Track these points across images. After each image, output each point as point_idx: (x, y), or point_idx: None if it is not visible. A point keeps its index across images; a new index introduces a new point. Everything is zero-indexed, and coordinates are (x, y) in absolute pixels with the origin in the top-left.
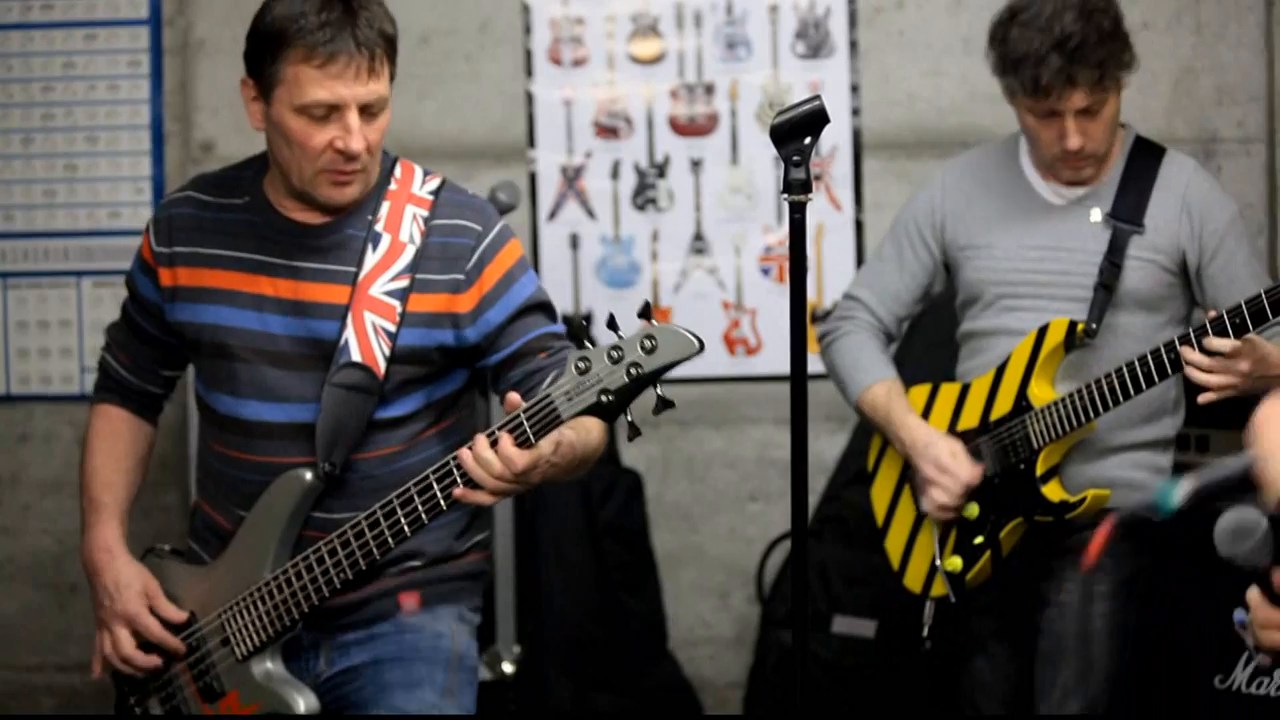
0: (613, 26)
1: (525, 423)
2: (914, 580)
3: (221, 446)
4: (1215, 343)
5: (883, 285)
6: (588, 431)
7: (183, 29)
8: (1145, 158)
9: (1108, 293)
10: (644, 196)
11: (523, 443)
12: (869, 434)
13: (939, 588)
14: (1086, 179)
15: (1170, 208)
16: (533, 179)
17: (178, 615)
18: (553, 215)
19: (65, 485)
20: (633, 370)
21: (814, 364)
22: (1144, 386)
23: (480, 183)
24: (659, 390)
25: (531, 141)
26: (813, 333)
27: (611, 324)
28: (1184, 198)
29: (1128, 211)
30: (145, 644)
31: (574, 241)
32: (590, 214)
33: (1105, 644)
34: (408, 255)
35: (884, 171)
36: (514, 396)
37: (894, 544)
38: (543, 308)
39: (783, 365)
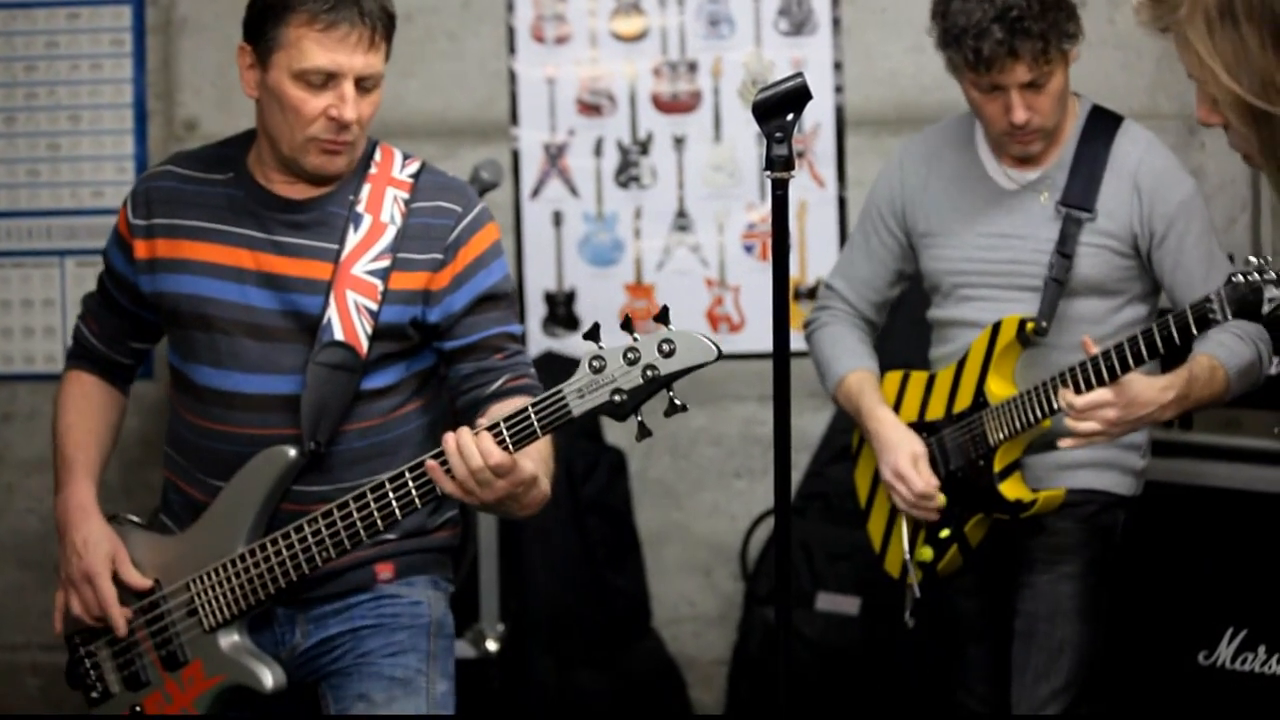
0: (595, 4)
1: (534, 417)
2: (893, 565)
3: (198, 418)
4: (1078, 401)
5: (854, 274)
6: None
7: (165, 8)
8: (1100, 133)
9: (1059, 286)
10: (627, 174)
11: (519, 441)
12: (856, 419)
13: (916, 574)
14: (1036, 155)
15: (1122, 190)
16: (516, 156)
17: (142, 582)
18: (536, 193)
19: (49, 465)
20: (649, 372)
21: (797, 341)
22: (1090, 388)
23: (463, 160)
24: (672, 394)
25: (514, 119)
26: (795, 309)
27: (591, 334)
28: (1135, 178)
29: (1078, 196)
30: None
31: (557, 219)
32: (573, 191)
33: (1075, 625)
34: (389, 235)
35: (866, 148)
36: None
37: (875, 528)
38: (505, 300)
39: (766, 342)
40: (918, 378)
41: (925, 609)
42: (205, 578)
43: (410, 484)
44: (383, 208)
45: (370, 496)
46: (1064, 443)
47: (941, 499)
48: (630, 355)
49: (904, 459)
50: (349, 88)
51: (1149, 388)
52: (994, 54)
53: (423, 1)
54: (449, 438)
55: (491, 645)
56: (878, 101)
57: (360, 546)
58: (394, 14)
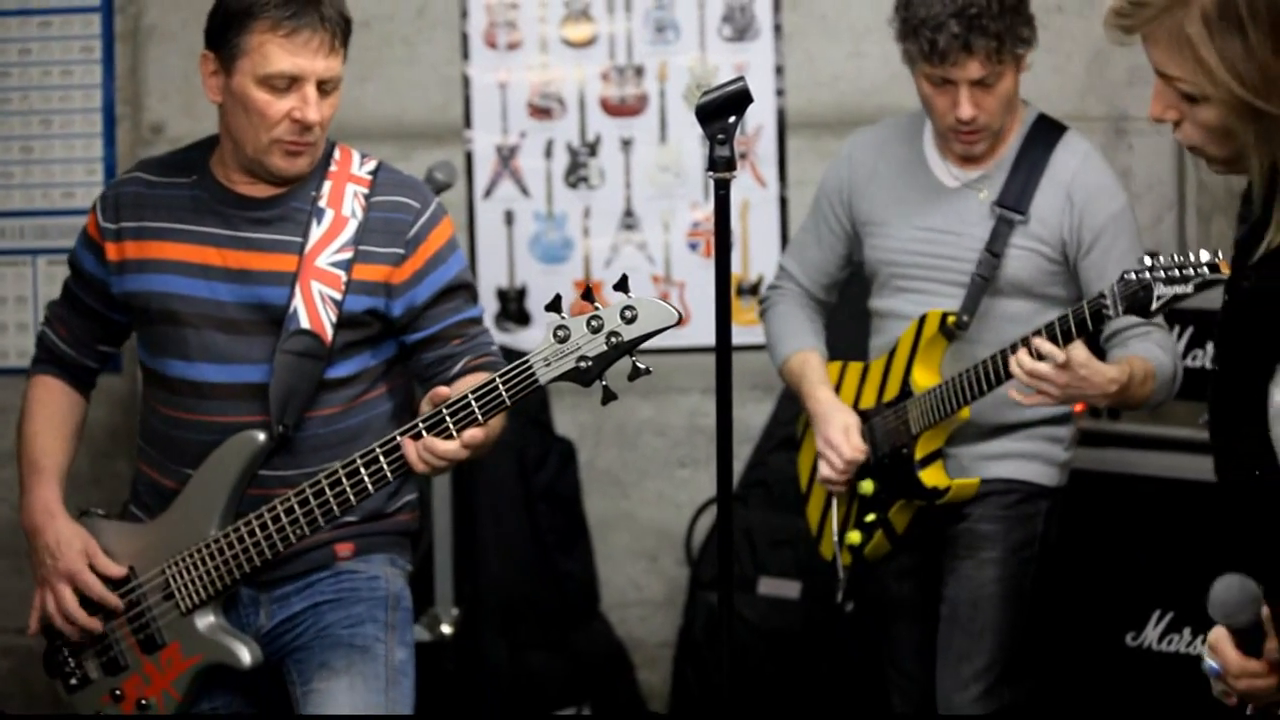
0: (545, 11)
1: (501, 387)
2: (827, 548)
3: (171, 409)
4: (1030, 365)
5: (805, 256)
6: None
7: (133, 16)
8: (1042, 141)
9: (984, 283)
10: (576, 175)
11: (488, 411)
12: (795, 402)
13: (846, 557)
14: (978, 154)
15: (1056, 198)
16: (469, 158)
17: (117, 570)
18: (488, 193)
19: None
20: (612, 339)
21: (740, 335)
22: (999, 381)
23: (418, 162)
24: (635, 359)
25: (468, 122)
26: (738, 305)
27: (553, 305)
28: (1069, 188)
29: (1014, 198)
30: (85, 602)
31: (508, 218)
32: (524, 192)
33: (996, 609)
34: (351, 229)
35: (808, 150)
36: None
37: (813, 512)
38: (464, 289)
39: (710, 336)
40: (854, 368)
41: (860, 592)
42: (180, 561)
43: (383, 461)
44: (344, 202)
45: (343, 473)
46: (1014, 395)
47: (870, 485)
48: (594, 323)
49: (836, 429)
50: (311, 90)
51: (1102, 370)
52: (949, 47)
53: (380, 9)
54: (409, 450)
55: (446, 628)
56: (819, 104)
57: (333, 521)
58: (350, 19)
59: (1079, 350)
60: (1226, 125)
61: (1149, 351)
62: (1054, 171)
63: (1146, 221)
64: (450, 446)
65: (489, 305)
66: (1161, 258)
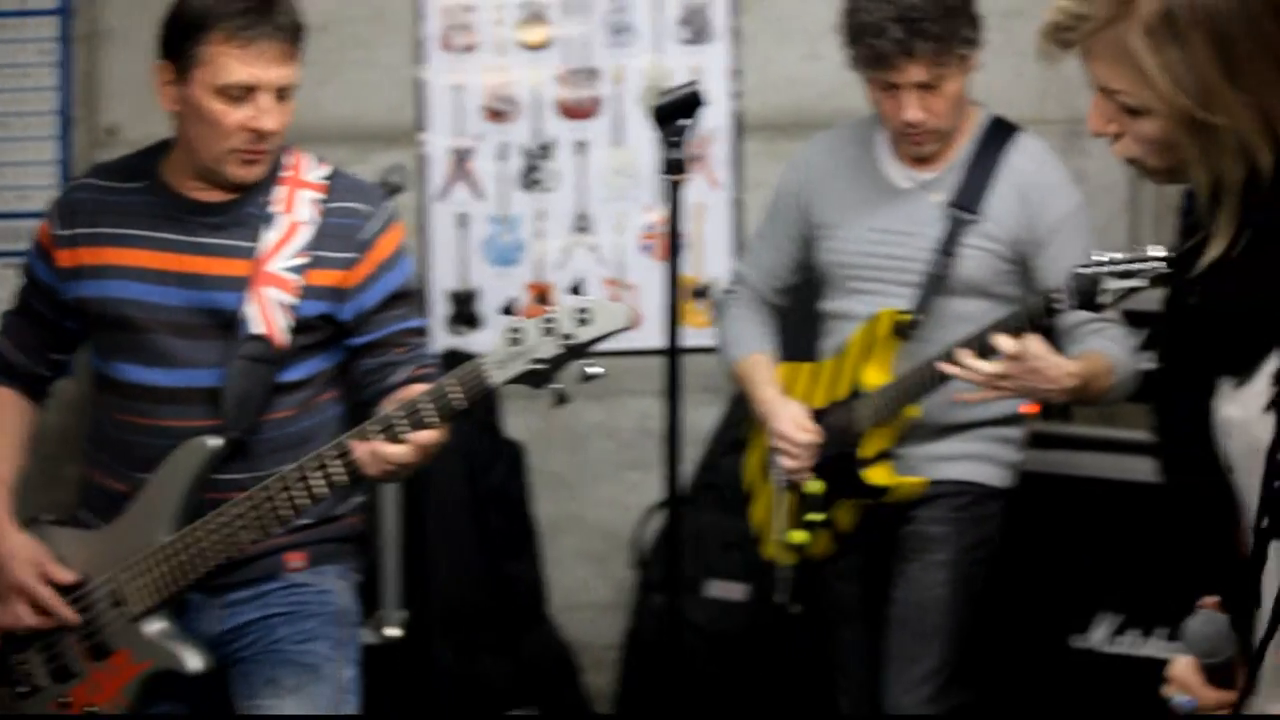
0: (501, 14)
1: (460, 389)
2: (769, 549)
3: (124, 414)
4: (998, 340)
5: (760, 260)
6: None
7: (90, 19)
8: (995, 141)
9: (937, 282)
10: (530, 177)
11: (441, 414)
12: (744, 406)
13: (790, 558)
14: (929, 156)
15: (1009, 198)
16: (423, 161)
17: (67, 578)
18: (442, 196)
19: None
20: (566, 340)
21: (691, 338)
22: (946, 379)
23: (373, 164)
24: (586, 363)
25: (423, 125)
26: (691, 308)
27: (507, 310)
28: (1023, 188)
29: (967, 199)
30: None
31: (462, 221)
32: (478, 194)
33: (946, 612)
34: (305, 234)
35: (763, 153)
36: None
37: (758, 512)
38: (410, 297)
39: (661, 339)
40: (805, 369)
41: (808, 594)
42: (130, 567)
43: (335, 466)
44: (296, 207)
45: (293, 478)
46: (966, 396)
47: (816, 485)
48: (547, 325)
49: (784, 422)
50: (267, 99)
51: (1058, 364)
52: (890, 53)
53: (337, 12)
54: (360, 454)
55: (394, 632)
56: (774, 108)
57: (286, 525)
58: (304, 25)
59: (1034, 342)
60: (1169, 138)
61: (1106, 347)
62: (1007, 172)
63: (1099, 224)
64: (399, 450)
65: (441, 308)
66: (1114, 253)
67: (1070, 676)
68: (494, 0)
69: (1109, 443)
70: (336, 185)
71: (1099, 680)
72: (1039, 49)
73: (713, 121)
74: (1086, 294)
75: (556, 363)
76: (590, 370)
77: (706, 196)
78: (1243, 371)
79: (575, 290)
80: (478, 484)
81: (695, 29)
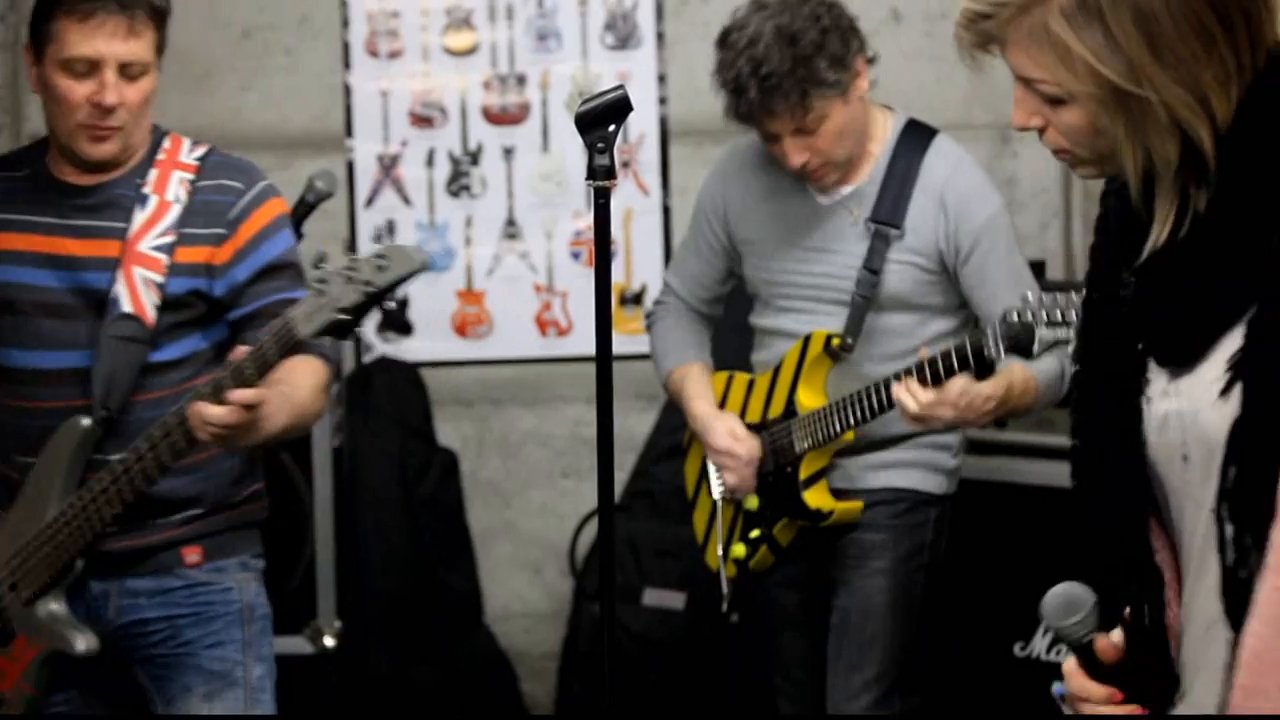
0: (427, 19)
1: (274, 343)
2: (713, 558)
3: (12, 399)
4: (916, 391)
5: (686, 271)
6: (295, 386)
7: (14, 25)
8: (910, 149)
9: (866, 302)
10: (458, 183)
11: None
12: (679, 412)
13: (730, 569)
14: (830, 184)
15: (929, 207)
16: (350, 167)
17: None
18: (370, 202)
19: None
20: (366, 288)
21: (622, 344)
22: (883, 410)
23: (299, 172)
24: (385, 304)
25: (349, 131)
26: (620, 314)
27: (317, 263)
28: (942, 196)
29: (886, 213)
30: None
31: (390, 228)
32: (406, 201)
33: (886, 619)
34: (174, 213)
35: (690, 158)
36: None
37: (699, 520)
38: (289, 270)
39: (593, 346)
40: (740, 380)
41: (746, 602)
42: (22, 550)
43: (175, 434)
44: (168, 188)
45: (141, 450)
46: (906, 425)
47: (755, 500)
48: (349, 274)
49: (721, 437)
50: (110, 74)
51: (975, 394)
52: (751, 110)
53: (261, 18)
54: (191, 413)
55: (329, 641)
56: (701, 113)
57: (143, 491)
58: (161, 4)
59: (954, 385)
60: (1095, 123)
61: (1033, 362)
62: (925, 180)
63: (1032, 229)
64: (219, 411)
65: (371, 315)
66: (1045, 296)
67: (1013, 685)
68: (420, 6)
69: (1047, 449)
70: (208, 164)
71: (1041, 689)
72: (961, 51)
73: (640, 127)
74: (1019, 342)
75: (359, 310)
76: (387, 310)
77: (635, 202)
78: (1183, 361)
79: (378, 240)
80: (411, 492)
81: (621, 34)
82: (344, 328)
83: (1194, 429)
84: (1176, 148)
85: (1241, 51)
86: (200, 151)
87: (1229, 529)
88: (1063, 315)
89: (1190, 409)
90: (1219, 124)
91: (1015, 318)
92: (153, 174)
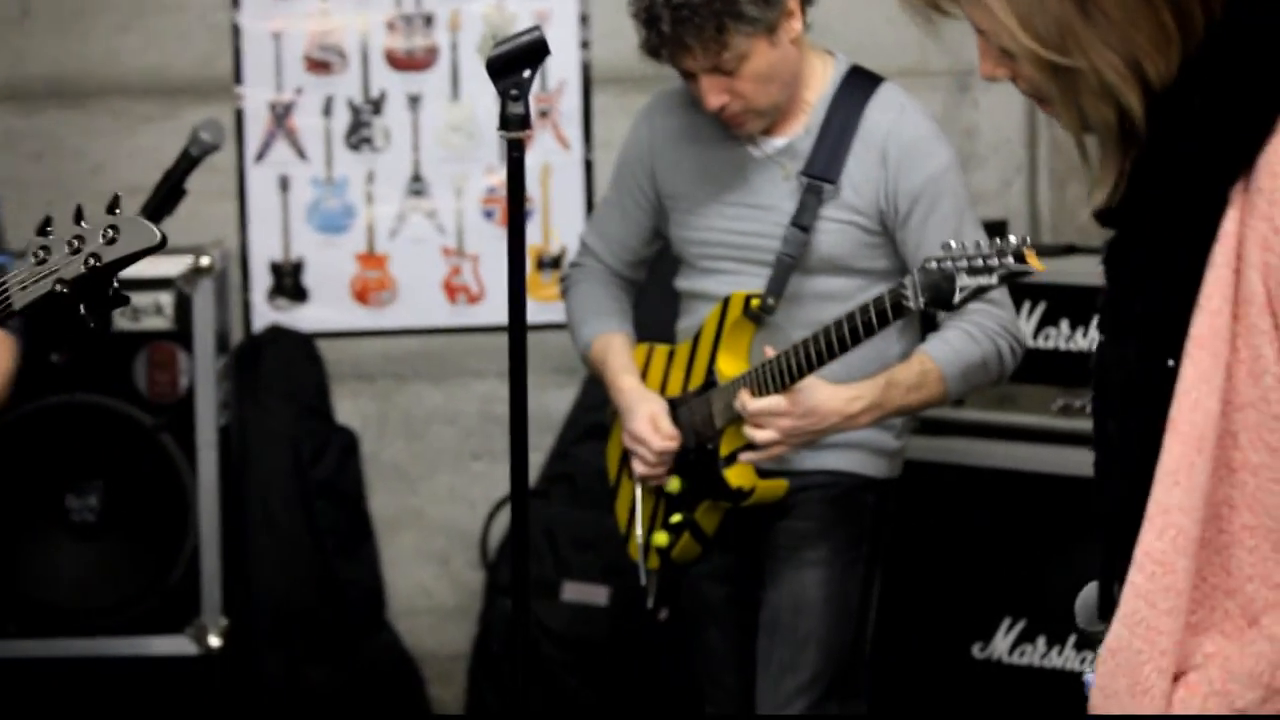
0: None
1: None
2: (634, 548)
3: None
4: (751, 405)
5: (608, 230)
6: None
7: None
8: (852, 98)
9: (791, 261)
10: (358, 135)
11: None
12: (601, 388)
13: (653, 560)
14: (754, 133)
15: (869, 161)
16: (239, 117)
17: None
18: (260, 156)
19: None
20: (91, 261)
21: (540, 313)
22: (810, 368)
23: (183, 121)
24: (115, 286)
25: (238, 77)
26: (538, 279)
27: (42, 227)
28: (883, 148)
29: (821, 167)
30: None
31: (283, 184)
32: (301, 154)
33: (821, 616)
34: None
35: (615, 108)
36: None
37: (621, 507)
38: None
39: (506, 315)
40: (660, 351)
41: (675, 597)
42: None
43: None
44: None
45: None
46: (744, 456)
47: (676, 482)
48: (74, 243)
49: (641, 421)
50: None
51: (832, 398)
52: (662, 44)
53: None
54: None
55: (214, 641)
56: (627, 58)
57: None
58: None
59: (804, 388)
60: (1036, 83)
61: (937, 349)
62: (866, 131)
63: (994, 186)
64: None
65: (261, 280)
66: (968, 243)
67: (971, 690)
68: None
69: (1005, 429)
70: None
71: (1003, 694)
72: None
73: (559, 73)
74: (939, 291)
75: (81, 285)
76: (118, 295)
77: (554, 156)
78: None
79: (113, 205)
80: (306, 476)
81: None
82: (65, 302)
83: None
84: (1113, 112)
85: (1188, 11)
86: None
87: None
88: (985, 262)
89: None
90: (1154, 86)
91: (934, 264)
92: None
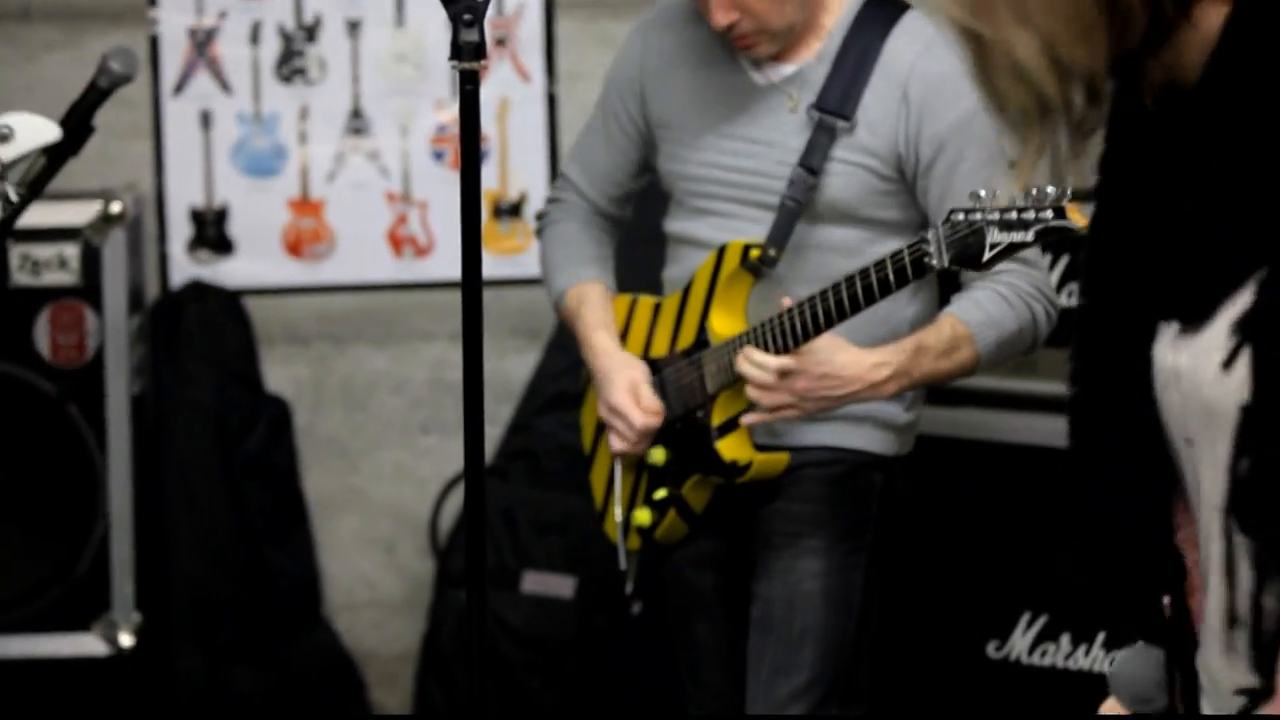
0: None
1: None
2: (611, 527)
3: None
4: (761, 360)
5: (591, 162)
6: None
7: None
8: (873, 25)
9: (797, 207)
10: (290, 66)
11: None
12: (567, 350)
13: (634, 541)
14: (765, 57)
15: (889, 98)
16: (154, 44)
17: None
18: (179, 88)
19: None
20: None
21: (497, 267)
22: (817, 330)
23: (91, 48)
24: (7, 187)
25: None
26: (494, 229)
27: None
28: (905, 86)
29: (834, 101)
30: None
31: (205, 120)
32: (225, 87)
33: (819, 611)
34: None
35: (581, 35)
36: None
37: (598, 479)
38: None
39: (459, 269)
40: (645, 305)
41: (651, 587)
42: None
43: None
44: None
45: None
46: (746, 418)
47: (661, 454)
48: None
49: (620, 393)
50: None
51: (854, 362)
52: None
53: None
54: None
55: (126, 640)
56: None
57: None
58: None
59: (820, 348)
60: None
61: (968, 311)
62: (887, 64)
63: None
64: None
65: (180, 230)
66: (1000, 194)
67: (986, 692)
68: None
69: (1027, 398)
70: None
71: (1022, 697)
72: None
73: None
74: (966, 248)
75: None
76: (9, 200)
77: (512, 90)
78: (1190, 319)
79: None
80: (231, 452)
81: None
82: None
83: (1195, 405)
84: (1028, 97)
85: (1123, 6)
86: None
87: (1239, 542)
88: (1020, 216)
89: (1191, 377)
90: (1078, 74)
91: (962, 217)
92: None
